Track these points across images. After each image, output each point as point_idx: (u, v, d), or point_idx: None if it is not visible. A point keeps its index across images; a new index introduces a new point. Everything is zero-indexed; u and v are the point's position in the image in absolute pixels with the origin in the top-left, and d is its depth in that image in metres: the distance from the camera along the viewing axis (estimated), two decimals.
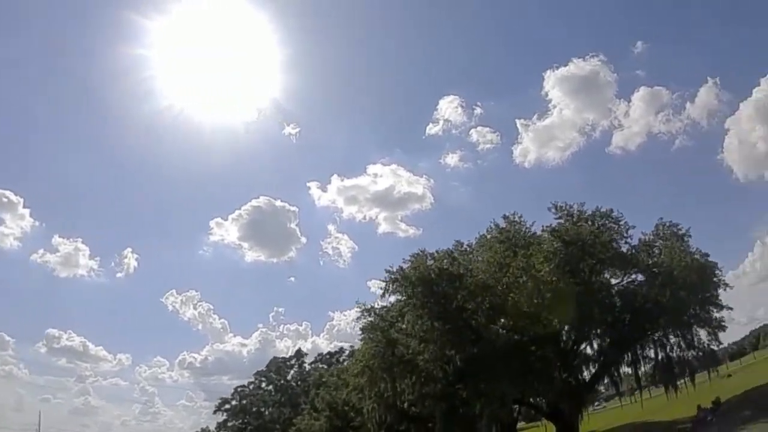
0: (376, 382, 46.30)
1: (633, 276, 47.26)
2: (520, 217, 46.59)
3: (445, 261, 44.87)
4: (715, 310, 45.25)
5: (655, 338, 46.59)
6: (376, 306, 49.83)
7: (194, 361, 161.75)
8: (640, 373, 49.14)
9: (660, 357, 46.77)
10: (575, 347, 48.12)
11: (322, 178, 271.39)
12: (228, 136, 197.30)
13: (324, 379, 77.81)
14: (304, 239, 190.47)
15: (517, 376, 40.90)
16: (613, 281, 47.70)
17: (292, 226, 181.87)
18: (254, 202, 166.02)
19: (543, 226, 45.98)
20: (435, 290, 43.28)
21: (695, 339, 45.70)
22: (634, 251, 46.12)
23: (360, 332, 50.52)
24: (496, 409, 42.08)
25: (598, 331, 45.99)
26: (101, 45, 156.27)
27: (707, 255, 45.77)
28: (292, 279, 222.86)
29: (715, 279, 45.51)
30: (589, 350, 48.49)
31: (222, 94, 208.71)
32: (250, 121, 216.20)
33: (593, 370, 48.70)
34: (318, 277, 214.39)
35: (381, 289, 46.48)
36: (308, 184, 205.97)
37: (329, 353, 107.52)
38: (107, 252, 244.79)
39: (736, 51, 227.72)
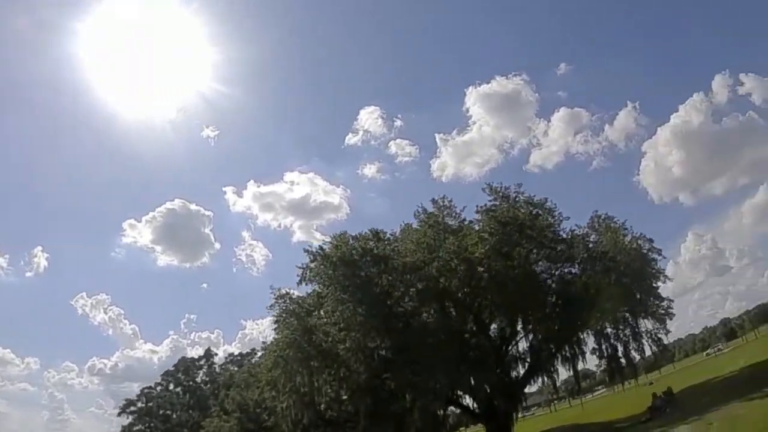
0: (291, 375, 40.99)
1: (573, 262, 43.96)
2: (450, 201, 42.70)
3: (370, 242, 40.55)
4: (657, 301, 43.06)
5: (598, 328, 43.72)
6: (292, 293, 44.47)
7: (104, 367, 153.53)
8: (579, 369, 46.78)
9: (604, 347, 43.93)
10: (510, 338, 44.63)
11: (239, 183, 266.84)
12: (146, 136, 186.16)
13: (234, 379, 72.52)
14: (218, 245, 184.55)
15: (450, 366, 36.72)
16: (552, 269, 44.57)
17: (207, 231, 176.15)
18: (169, 205, 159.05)
19: (477, 206, 42.21)
20: (358, 272, 38.84)
21: (641, 328, 43.17)
22: (572, 237, 43.31)
23: (273, 322, 44.29)
24: (428, 403, 37.91)
25: (535, 319, 42.12)
26: (23, 44, 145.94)
27: (651, 240, 43.33)
28: (205, 285, 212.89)
29: (655, 269, 43.36)
30: (524, 343, 45.35)
31: (142, 93, 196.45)
32: (169, 121, 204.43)
33: (528, 364, 45.32)
34: (231, 284, 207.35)
35: (298, 276, 41.19)
36: (224, 189, 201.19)
37: (240, 354, 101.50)
38: (17, 250, 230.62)
39: (656, 77, 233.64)
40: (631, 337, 43.22)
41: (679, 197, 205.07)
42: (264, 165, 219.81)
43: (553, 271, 43.87)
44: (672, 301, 43.98)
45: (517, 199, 41.02)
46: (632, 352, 43.48)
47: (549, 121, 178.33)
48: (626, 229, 43.70)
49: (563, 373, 47.59)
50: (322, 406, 43.51)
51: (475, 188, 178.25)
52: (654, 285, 43.10)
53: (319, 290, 42.05)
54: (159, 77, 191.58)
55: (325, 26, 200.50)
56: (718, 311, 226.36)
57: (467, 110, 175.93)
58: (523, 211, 40.65)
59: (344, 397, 43.78)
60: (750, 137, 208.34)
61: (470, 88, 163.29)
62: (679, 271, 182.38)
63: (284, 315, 42.35)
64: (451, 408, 47.35)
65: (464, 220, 42.30)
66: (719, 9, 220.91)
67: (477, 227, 41.36)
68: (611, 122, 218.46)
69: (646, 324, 43.08)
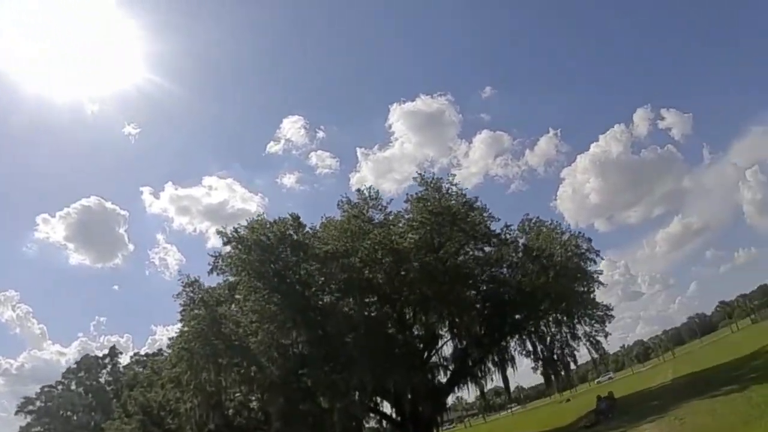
0: (196, 371, 35.76)
1: (507, 259, 41.84)
2: (376, 192, 39.15)
3: (289, 228, 36.41)
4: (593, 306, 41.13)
5: (532, 330, 41.52)
6: (203, 282, 39.79)
7: (10, 368, 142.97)
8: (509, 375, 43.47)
9: (540, 350, 41.60)
10: (436, 337, 41.69)
11: (157, 184, 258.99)
12: (66, 128, 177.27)
13: (138, 379, 67.25)
14: (131, 246, 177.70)
15: (373, 363, 33.06)
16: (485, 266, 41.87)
17: (121, 231, 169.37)
18: (84, 201, 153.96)
19: (408, 195, 39.55)
20: (275, 259, 35.19)
21: (579, 331, 41.07)
22: (505, 234, 40.54)
23: (180, 311, 38.80)
24: (349, 403, 33.62)
25: (464, 318, 38.63)
26: None
27: (590, 239, 41.18)
28: (116, 287, 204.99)
29: (592, 271, 41.40)
30: (451, 344, 42.25)
31: (65, 84, 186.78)
32: (92, 114, 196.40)
33: (453, 369, 42.58)
34: (143, 287, 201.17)
35: (210, 264, 37.07)
36: (141, 189, 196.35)
37: (147, 354, 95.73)
38: None
39: (580, 106, 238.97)
40: (568, 339, 41.18)
41: (595, 223, 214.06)
42: (183, 167, 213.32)
43: (485, 268, 41.27)
44: (612, 310, 42.07)
45: (449, 190, 38.05)
46: (568, 357, 41.52)
47: (471, 142, 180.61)
48: (562, 228, 41.94)
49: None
50: (231, 410, 40.27)
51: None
52: (591, 287, 41.14)
53: (232, 280, 37.94)
54: (84, 68, 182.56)
55: (257, 32, 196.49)
56: (629, 334, 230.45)
57: (390, 126, 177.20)
58: (455, 202, 37.84)
59: (253, 401, 40.71)
60: (667, 170, 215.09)
61: (395, 104, 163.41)
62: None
63: (191, 304, 37.88)
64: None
65: (390, 213, 39.14)
66: (647, 45, 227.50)
67: (406, 217, 38.46)
68: (532, 147, 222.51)
69: (584, 327, 41.06)
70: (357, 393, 34.06)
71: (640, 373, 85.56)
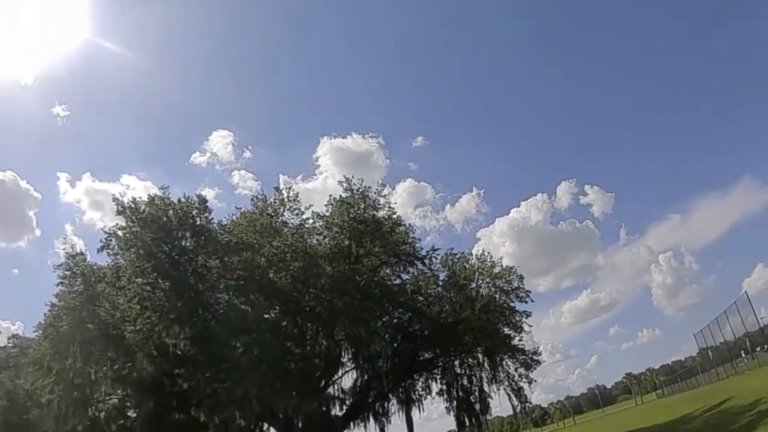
0: (62, 355, 30.60)
1: (432, 285, 38.67)
2: (296, 195, 34.85)
3: (194, 208, 31.25)
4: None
5: (447, 366, 38.60)
6: (90, 260, 34.49)
7: None
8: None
9: (455, 389, 38.62)
10: (338, 361, 37.22)
11: (75, 172, 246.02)
12: None
13: (10, 362, 60.61)
14: (38, 231, 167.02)
15: (265, 376, 28.68)
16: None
17: (31, 213, 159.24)
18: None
19: (330, 198, 35.39)
20: (171, 240, 30.19)
21: (502, 371, 37.99)
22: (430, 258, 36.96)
23: (57, 284, 33.60)
24: (230, 419, 28.65)
25: (372, 345, 34.77)
26: None
27: (522, 277, 37.94)
28: (16, 271, 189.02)
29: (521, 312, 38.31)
30: (352, 376, 38.10)
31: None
32: (23, 86, 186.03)
33: (352, 401, 38.22)
34: (43, 276, 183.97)
35: (102, 242, 31.81)
36: (59, 174, 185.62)
37: (27, 338, 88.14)
38: None
39: (507, 169, 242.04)
40: (485, 382, 38.23)
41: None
42: (104, 160, 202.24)
43: (406, 290, 37.30)
44: (540, 355, 39.22)
45: (377, 202, 34.48)
46: (487, 399, 38.57)
47: (394, 188, 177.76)
48: (492, 260, 38.63)
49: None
50: (102, 414, 33.88)
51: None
52: (518, 327, 37.85)
53: (121, 264, 31.97)
54: (28, 40, 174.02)
55: (204, 35, 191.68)
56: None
57: (317, 159, 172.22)
58: (382, 214, 34.45)
59: (130, 408, 34.49)
60: (582, 245, 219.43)
61: (325, 138, 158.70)
62: None
63: (69, 276, 32.64)
64: None
65: (308, 219, 34.87)
66: (582, 120, 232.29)
67: (324, 219, 34.76)
68: (453, 203, 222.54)
69: (506, 371, 38.06)
70: (240, 408, 28.87)
71: None
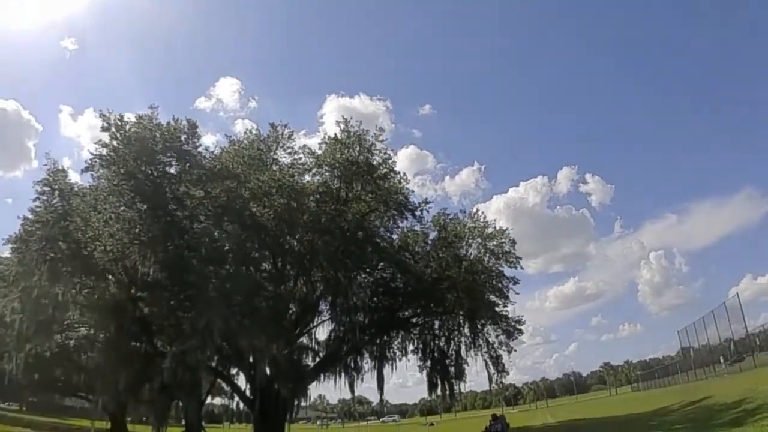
0: (31, 272, 28.60)
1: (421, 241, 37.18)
2: (291, 132, 33.35)
3: (183, 132, 29.30)
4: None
5: (427, 324, 37.29)
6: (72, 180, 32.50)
7: None
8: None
9: (431, 348, 37.38)
10: (315, 308, 35.66)
11: (78, 106, 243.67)
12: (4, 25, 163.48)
13: None
14: (36, 162, 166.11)
15: (233, 311, 26.90)
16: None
17: (30, 144, 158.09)
18: (2, 103, 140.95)
19: (325, 135, 33.93)
20: (154, 161, 28.31)
21: (482, 337, 36.46)
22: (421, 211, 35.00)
23: (33, 199, 30.80)
24: (189, 350, 26.01)
25: (351, 293, 33.20)
26: None
27: (514, 242, 35.72)
28: (10, 200, 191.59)
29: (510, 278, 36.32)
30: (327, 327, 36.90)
31: None
32: (33, 18, 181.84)
33: (325, 352, 37.24)
34: None
35: (86, 162, 28.93)
36: (62, 107, 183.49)
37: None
38: None
39: (510, 148, 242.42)
40: (466, 346, 36.79)
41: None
42: (109, 97, 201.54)
43: (393, 244, 35.78)
44: (524, 323, 37.80)
45: (373, 146, 32.50)
46: (463, 364, 37.00)
47: (395, 154, 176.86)
48: (486, 220, 36.74)
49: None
50: (72, 343, 34.43)
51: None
52: (504, 292, 36.04)
53: (103, 185, 29.21)
54: None
55: None
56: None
57: (322, 116, 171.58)
58: (378, 161, 32.51)
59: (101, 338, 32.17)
60: (576, 232, 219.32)
61: (333, 95, 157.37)
62: None
63: (48, 192, 30.54)
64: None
65: (300, 158, 33.05)
66: (593, 110, 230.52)
67: (315, 156, 32.85)
68: (453, 176, 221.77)
69: (487, 336, 36.52)
70: (201, 340, 26.25)
71: (511, 414, 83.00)
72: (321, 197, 31.29)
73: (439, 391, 37.83)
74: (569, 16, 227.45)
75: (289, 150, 32.78)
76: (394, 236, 36.08)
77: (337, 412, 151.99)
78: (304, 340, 37.07)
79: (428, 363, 37.80)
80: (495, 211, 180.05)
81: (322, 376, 37.28)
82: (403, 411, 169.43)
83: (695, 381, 46.59)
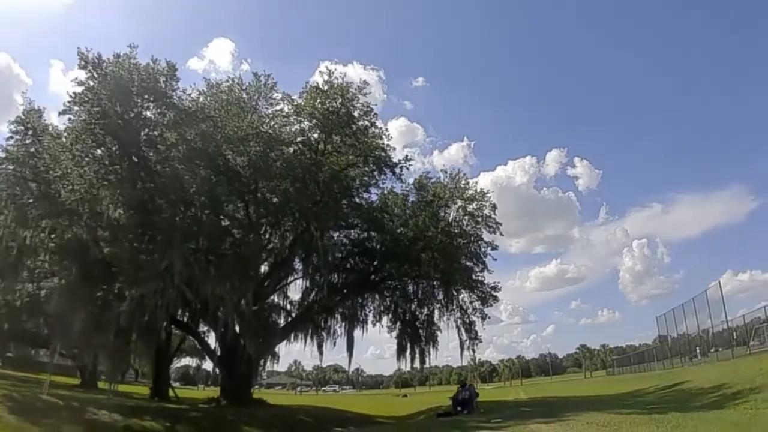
0: None
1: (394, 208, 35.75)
2: (275, 83, 31.83)
3: (162, 74, 27.06)
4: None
5: (399, 286, 35.97)
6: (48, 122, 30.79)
7: None
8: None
9: (403, 310, 36.21)
10: (287, 265, 34.20)
11: (70, 62, 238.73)
12: None
13: None
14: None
15: (197, 253, 25.80)
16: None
17: (17, 97, 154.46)
18: None
19: (306, 83, 31.79)
20: (129, 101, 26.30)
21: (456, 302, 35.43)
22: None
23: (7, 138, 29.40)
24: (149, 294, 24.48)
25: (323, 249, 31.64)
26: None
27: (494, 206, 34.46)
28: None
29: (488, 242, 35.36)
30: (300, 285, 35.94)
31: None
32: None
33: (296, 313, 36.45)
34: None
35: (65, 105, 26.68)
36: (52, 62, 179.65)
37: None
38: None
39: (501, 127, 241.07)
40: (440, 310, 35.80)
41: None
42: (101, 53, 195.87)
43: (371, 203, 34.70)
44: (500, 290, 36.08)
45: (356, 99, 30.77)
46: (435, 330, 36.30)
47: (386, 124, 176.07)
48: (467, 178, 35.55)
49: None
50: (43, 293, 31.83)
51: None
52: (481, 256, 35.21)
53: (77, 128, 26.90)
54: None
55: None
56: (477, 354, 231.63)
57: (315, 83, 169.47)
58: (358, 113, 30.94)
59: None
60: (561, 215, 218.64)
61: (326, 62, 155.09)
62: None
63: (23, 131, 29.03)
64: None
65: (281, 110, 31.52)
66: (581, 92, 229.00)
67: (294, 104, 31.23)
68: (442, 150, 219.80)
69: (461, 302, 35.38)
70: (162, 283, 24.72)
71: (485, 390, 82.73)
72: (298, 147, 30.12)
73: (408, 355, 36.56)
74: None
75: (271, 101, 31.54)
76: (374, 197, 35.06)
77: (312, 379, 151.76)
78: (275, 298, 36.11)
79: (398, 325, 36.74)
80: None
81: (292, 336, 36.37)
82: (379, 382, 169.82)
83: (671, 369, 45.72)
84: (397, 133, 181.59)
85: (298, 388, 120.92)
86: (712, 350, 41.31)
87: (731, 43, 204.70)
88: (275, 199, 30.34)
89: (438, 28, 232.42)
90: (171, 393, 39.03)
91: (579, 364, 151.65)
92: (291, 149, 30.31)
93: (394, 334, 36.95)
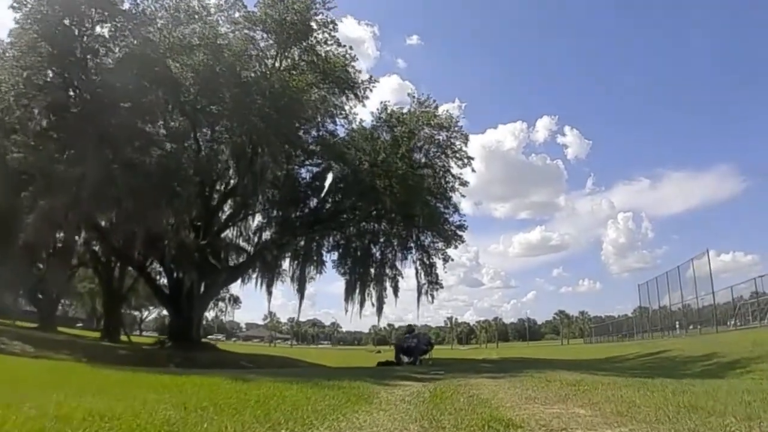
0: None
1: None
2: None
3: None
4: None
5: (353, 221, 32.11)
6: None
7: None
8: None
9: (355, 246, 33.09)
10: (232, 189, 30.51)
11: None
12: None
13: None
14: None
15: (116, 161, 22.80)
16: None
17: None
18: None
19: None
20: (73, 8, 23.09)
21: (417, 239, 32.17)
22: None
23: None
24: (59, 206, 21.63)
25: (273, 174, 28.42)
26: None
27: (466, 137, 31.36)
28: None
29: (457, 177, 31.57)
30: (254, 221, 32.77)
31: None
32: None
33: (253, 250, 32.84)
34: None
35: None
36: None
37: None
38: None
39: (493, 90, 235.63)
40: (398, 248, 32.50)
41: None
42: None
43: (335, 128, 31.13)
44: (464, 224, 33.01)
45: (317, 12, 27.45)
46: (392, 268, 32.88)
47: (378, 81, 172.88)
48: (436, 105, 31.60)
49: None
50: None
51: None
52: (449, 193, 31.72)
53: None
54: None
55: None
56: (457, 316, 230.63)
57: None
58: (316, 24, 27.46)
59: None
60: (548, 182, 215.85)
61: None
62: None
63: None
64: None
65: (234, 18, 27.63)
66: (576, 61, 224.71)
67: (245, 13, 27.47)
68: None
69: (425, 240, 32.24)
70: (74, 193, 21.75)
71: (459, 350, 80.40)
72: (249, 59, 26.54)
73: (356, 296, 32.86)
74: None
75: (225, 11, 27.69)
76: (342, 131, 31.69)
77: (289, 333, 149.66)
78: (230, 234, 32.52)
79: (348, 262, 33.22)
80: (469, 152, 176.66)
81: (244, 277, 33.15)
82: (358, 338, 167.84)
83: (651, 340, 42.46)
84: (388, 91, 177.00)
85: (275, 342, 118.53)
86: (691, 326, 38.66)
87: (728, 25, 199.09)
88: (216, 110, 26.41)
89: None
90: (124, 337, 37.15)
91: (557, 331, 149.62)
92: (240, 61, 26.46)
93: (345, 274, 33.54)
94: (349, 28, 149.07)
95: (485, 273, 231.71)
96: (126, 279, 39.51)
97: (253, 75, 25.96)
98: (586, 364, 21.50)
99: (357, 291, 32.70)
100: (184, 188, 25.67)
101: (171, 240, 26.54)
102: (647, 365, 20.17)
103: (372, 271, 33.13)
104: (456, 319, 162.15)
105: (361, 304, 32.82)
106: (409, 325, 23.81)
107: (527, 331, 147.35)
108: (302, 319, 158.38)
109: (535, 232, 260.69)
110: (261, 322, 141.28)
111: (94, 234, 28.63)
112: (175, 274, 30.38)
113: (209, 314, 60.27)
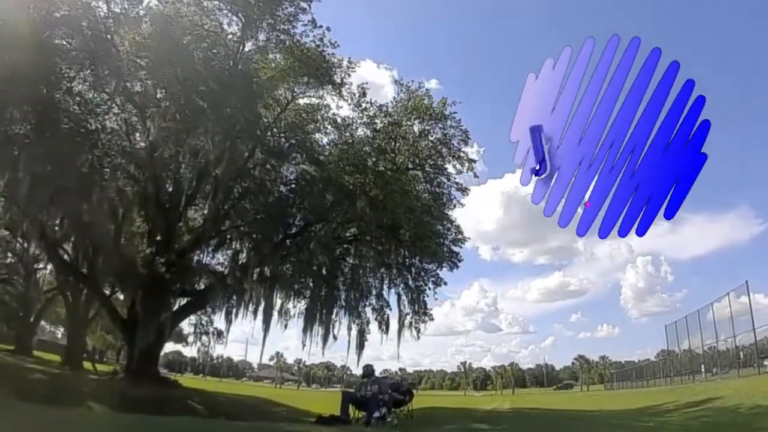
0: None
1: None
2: None
3: None
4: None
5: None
6: None
7: None
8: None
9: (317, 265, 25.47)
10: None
11: None
12: None
13: None
14: None
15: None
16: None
17: None
18: None
19: None
20: None
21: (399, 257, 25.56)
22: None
23: None
24: None
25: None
26: None
27: (467, 136, 25.81)
28: None
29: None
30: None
31: None
32: None
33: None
34: None
35: None
36: None
37: None
38: None
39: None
40: (373, 268, 26.22)
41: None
42: None
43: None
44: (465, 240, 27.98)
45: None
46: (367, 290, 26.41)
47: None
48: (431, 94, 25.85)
49: None
50: None
51: None
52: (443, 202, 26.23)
53: None
54: None
55: None
56: (475, 362, 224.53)
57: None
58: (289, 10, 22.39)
59: None
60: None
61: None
62: (453, 312, 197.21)
63: None
64: None
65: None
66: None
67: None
68: None
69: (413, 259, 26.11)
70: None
71: (472, 397, 74.95)
72: (204, 35, 21.64)
73: (316, 327, 25.67)
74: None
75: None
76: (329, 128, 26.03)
77: (296, 374, 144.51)
78: (200, 254, 27.09)
79: (309, 283, 26.51)
80: (489, 197, 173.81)
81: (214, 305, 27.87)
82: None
83: (680, 385, 37.02)
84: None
85: (281, 383, 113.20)
86: (714, 369, 35.70)
87: (744, 68, 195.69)
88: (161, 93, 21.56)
89: (455, 30, 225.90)
90: (88, 363, 33.88)
91: (576, 377, 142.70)
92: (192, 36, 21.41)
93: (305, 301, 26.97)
94: (369, 72, 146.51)
95: (503, 318, 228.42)
96: (95, 302, 33.97)
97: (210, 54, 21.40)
98: (619, 418, 16.41)
99: (317, 321, 25.81)
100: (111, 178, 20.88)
101: (110, 251, 21.73)
102: (700, 419, 14.85)
103: (342, 295, 26.55)
104: (470, 364, 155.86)
105: (324, 337, 25.79)
106: (367, 366, 15.42)
107: (545, 377, 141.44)
108: (316, 361, 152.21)
109: (554, 277, 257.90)
110: (272, 363, 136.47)
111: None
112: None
113: (190, 350, 55.28)
